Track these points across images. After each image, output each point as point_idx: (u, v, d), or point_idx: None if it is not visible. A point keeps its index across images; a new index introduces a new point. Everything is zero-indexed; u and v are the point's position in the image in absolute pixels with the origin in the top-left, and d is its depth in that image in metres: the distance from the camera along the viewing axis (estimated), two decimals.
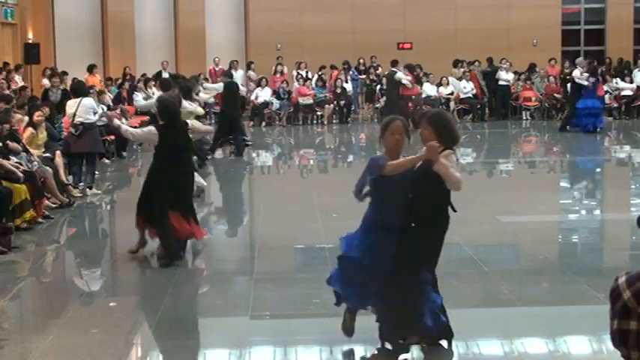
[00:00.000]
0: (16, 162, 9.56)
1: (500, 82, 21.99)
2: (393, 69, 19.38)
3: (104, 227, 10.56)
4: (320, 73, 22.49)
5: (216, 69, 22.54)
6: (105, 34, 23.28)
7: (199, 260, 8.05)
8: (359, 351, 5.44)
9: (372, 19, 24.16)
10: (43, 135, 11.27)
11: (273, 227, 9.32)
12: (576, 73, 18.91)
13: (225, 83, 16.21)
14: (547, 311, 6.22)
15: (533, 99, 22.27)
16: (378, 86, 22.38)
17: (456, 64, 22.88)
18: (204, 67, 22.95)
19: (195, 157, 10.50)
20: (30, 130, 11.06)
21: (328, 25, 23.96)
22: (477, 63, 22.75)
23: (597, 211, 11.05)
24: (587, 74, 18.55)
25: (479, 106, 22.23)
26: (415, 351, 5.42)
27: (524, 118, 22.11)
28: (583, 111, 18.42)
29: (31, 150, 10.54)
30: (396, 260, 4.95)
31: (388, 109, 19.41)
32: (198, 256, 8.12)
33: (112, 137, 15.29)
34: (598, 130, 18.54)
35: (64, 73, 18.38)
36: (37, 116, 11.24)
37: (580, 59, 20.18)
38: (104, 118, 15.22)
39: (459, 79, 22.24)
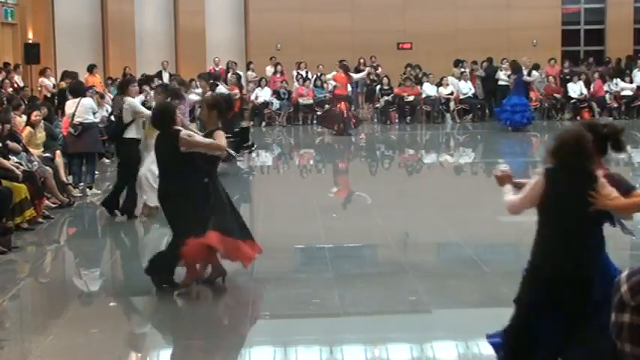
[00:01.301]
0: (16, 162, 9.57)
1: (500, 82, 21.98)
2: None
3: (104, 227, 10.55)
4: (319, 73, 22.49)
5: (217, 69, 22.53)
6: (105, 34, 23.26)
7: None
8: (359, 351, 5.44)
9: (372, 19, 24.15)
10: (41, 135, 11.29)
11: (273, 227, 9.32)
12: (499, 74, 19.99)
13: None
14: None
15: (534, 99, 22.26)
16: (378, 86, 22.40)
17: (457, 63, 22.86)
18: (204, 67, 22.91)
19: None
20: (28, 129, 11.09)
21: (328, 25, 23.94)
22: (484, 64, 22.74)
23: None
24: (509, 73, 19.78)
25: (479, 106, 22.23)
26: (415, 351, 5.43)
27: None
28: (513, 107, 19.25)
29: (30, 149, 10.57)
30: None
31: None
32: None
33: None
34: (526, 125, 19.51)
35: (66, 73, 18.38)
36: (35, 116, 11.28)
37: (525, 58, 20.53)
38: (106, 121, 15.25)
39: (458, 79, 22.25)
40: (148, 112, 9.09)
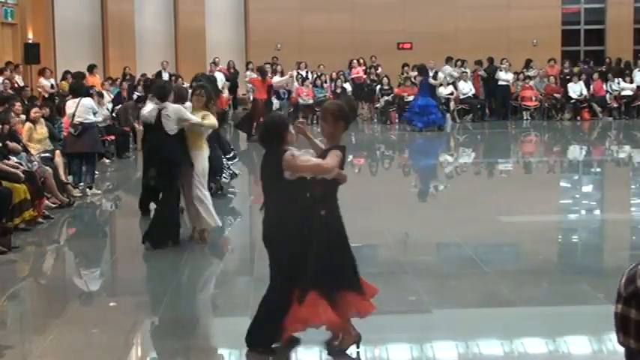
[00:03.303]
0: (16, 162, 9.57)
1: (500, 82, 22.01)
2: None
3: (104, 227, 10.56)
4: (319, 73, 22.50)
5: (216, 69, 22.54)
6: (105, 34, 23.28)
7: (199, 260, 8.04)
8: (359, 351, 5.43)
9: (372, 19, 24.17)
10: (42, 131, 11.32)
11: None
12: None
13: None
14: (547, 311, 6.22)
15: (534, 98, 22.29)
16: (378, 86, 22.40)
17: (448, 60, 22.79)
18: (205, 67, 22.94)
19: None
20: (28, 124, 11.14)
21: (328, 25, 23.97)
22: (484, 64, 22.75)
23: (597, 211, 11.05)
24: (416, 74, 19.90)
25: (479, 106, 22.25)
26: (415, 351, 5.42)
27: (525, 118, 22.12)
28: (422, 109, 19.31)
29: (31, 146, 10.60)
30: None
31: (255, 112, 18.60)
32: (198, 256, 8.11)
33: (112, 137, 15.31)
34: (441, 127, 19.64)
35: (68, 73, 18.39)
36: (34, 112, 11.37)
37: (431, 62, 20.54)
38: (108, 121, 15.31)
39: (458, 79, 22.26)
40: (196, 119, 8.29)
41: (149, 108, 9.14)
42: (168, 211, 8.25)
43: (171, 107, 8.20)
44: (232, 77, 22.98)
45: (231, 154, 12.17)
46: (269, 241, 5.19)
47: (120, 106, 16.79)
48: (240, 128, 18.70)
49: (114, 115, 15.85)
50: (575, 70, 23.34)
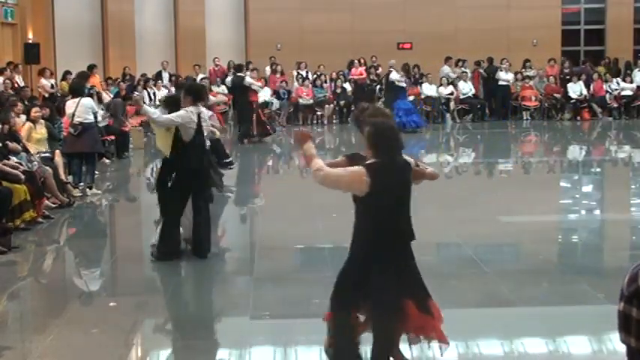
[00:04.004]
0: (16, 162, 9.57)
1: (500, 82, 22.01)
2: (240, 74, 18.24)
3: (104, 227, 10.56)
4: (320, 73, 22.50)
5: (216, 69, 22.55)
6: (105, 34, 23.26)
7: (199, 260, 8.03)
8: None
9: (372, 19, 24.14)
10: (42, 131, 11.32)
11: (273, 227, 9.31)
12: (394, 75, 19.58)
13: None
14: (547, 311, 6.22)
15: (534, 98, 22.28)
16: (378, 86, 22.39)
17: (447, 59, 22.78)
18: (204, 67, 22.94)
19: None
20: (28, 124, 11.16)
21: (328, 25, 23.95)
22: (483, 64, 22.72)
23: (597, 211, 11.06)
24: (403, 76, 19.65)
25: (479, 106, 22.25)
26: (415, 351, 5.43)
27: (525, 118, 22.12)
28: (402, 111, 19.12)
29: (30, 145, 10.60)
30: None
31: (241, 115, 18.30)
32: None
33: (112, 137, 15.31)
34: (418, 129, 19.35)
35: (68, 73, 18.39)
36: (34, 112, 11.41)
37: (393, 61, 20.36)
38: (108, 120, 15.30)
39: (457, 79, 22.26)
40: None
41: (191, 109, 7.42)
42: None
43: (206, 112, 7.89)
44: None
45: (229, 160, 12.05)
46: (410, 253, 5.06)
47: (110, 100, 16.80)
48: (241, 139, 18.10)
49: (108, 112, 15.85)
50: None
